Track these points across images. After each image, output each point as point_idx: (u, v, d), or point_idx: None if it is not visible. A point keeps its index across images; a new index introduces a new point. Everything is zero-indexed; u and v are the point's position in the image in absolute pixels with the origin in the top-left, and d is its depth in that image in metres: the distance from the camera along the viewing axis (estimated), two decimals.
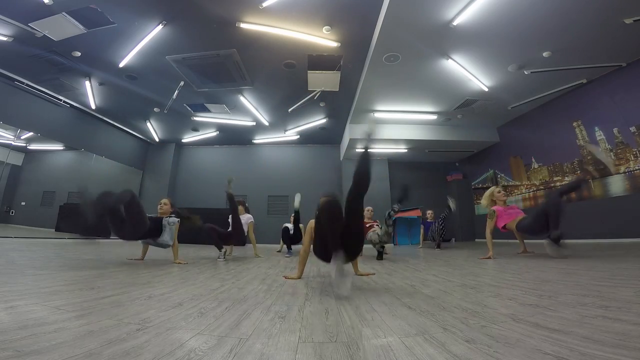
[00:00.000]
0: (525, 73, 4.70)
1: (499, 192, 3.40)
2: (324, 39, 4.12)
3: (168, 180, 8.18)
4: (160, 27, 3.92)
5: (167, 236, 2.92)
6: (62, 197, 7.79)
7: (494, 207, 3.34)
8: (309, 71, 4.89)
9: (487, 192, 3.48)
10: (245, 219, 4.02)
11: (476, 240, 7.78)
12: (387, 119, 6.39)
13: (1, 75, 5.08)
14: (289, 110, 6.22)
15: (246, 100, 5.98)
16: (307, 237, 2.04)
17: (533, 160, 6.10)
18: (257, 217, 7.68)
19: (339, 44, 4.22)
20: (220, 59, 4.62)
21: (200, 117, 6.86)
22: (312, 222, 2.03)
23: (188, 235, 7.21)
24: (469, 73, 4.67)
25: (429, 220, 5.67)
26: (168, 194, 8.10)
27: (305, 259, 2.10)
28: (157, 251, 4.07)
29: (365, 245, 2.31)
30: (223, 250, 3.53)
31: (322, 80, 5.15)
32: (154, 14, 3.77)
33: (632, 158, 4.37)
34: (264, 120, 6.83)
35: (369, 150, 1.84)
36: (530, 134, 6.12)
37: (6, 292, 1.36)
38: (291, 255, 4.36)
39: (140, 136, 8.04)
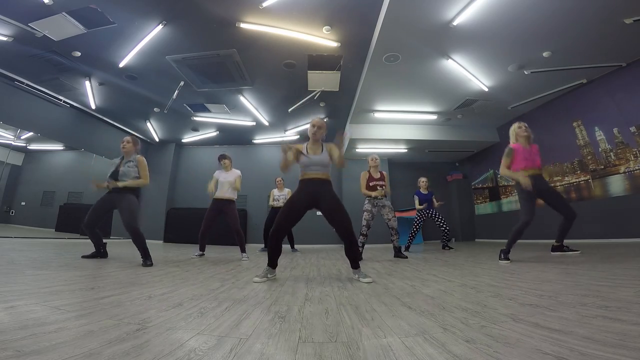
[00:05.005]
0: (525, 73, 4.70)
1: (519, 127, 3.04)
2: (324, 39, 4.12)
3: (168, 180, 8.18)
4: (160, 27, 3.92)
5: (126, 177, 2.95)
6: (62, 197, 7.80)
7: (512, 145, 3.05)
8: (309, 71, 4.88)
9: (511, 130, 3.15)
10: (233, 174, 3.96)
11: (476, 240, 7.78)
12: (387, 119, 6.39)
13: (1, 75, 5.07)
14: (289, 110, 6.22)
15: (246, 100, 5.98)
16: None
17: None
18: (257, 217, 7.72)
19: (339, 44, 4.22)
20: (220, 59, 4.62)
21: (200, 117, 6.85)
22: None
23: (185, 235, 7.24)
24: (469, 73, 4.67)
25: (422, 191, 5.02)
26: (168, 194, 8.10)
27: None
28: (159, 250, 4.08)
29: (368, 246, 2.43)
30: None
31: (322, 80, 5.15)
32: (154, 14, 3.77)
33: (632, 158, 4.37)
34: (264, 120, 6.83)
35: None
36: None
37: (6, 292, 1.36)
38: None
39: (141, 136, 8.04)
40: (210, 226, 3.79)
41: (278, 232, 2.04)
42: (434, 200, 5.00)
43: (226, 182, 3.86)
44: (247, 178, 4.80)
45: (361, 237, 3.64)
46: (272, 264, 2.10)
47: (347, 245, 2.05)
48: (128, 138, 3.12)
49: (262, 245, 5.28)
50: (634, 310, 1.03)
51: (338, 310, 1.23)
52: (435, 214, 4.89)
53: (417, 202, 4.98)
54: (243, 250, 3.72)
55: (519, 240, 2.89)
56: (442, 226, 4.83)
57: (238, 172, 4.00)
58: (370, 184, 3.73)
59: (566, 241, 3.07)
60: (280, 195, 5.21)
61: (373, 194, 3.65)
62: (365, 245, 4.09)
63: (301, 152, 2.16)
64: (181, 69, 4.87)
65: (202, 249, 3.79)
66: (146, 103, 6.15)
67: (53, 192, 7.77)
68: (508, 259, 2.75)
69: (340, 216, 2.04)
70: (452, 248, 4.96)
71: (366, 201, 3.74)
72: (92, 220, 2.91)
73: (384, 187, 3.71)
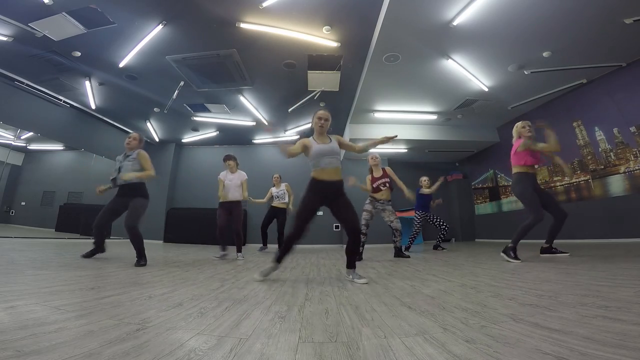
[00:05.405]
0: (525, 73, 4.70)
1: (523, 127, 3.05)
2: (324, 39, 4.12)
3: (168, 180, 8.18)
4: (160, 27, 3.92)
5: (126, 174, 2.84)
6: (62, 197, 7.79)
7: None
8: (309, 71, 4.88)
9: (515, 128, 3.15)
10: (239, 176, 3.95)
11: (476, 240, 7.78)
12: (387, 119, 6.39)
13: (1, 75, 5.07)
14: (289, 110, 6.22)
15: (246, 100, 5.98)
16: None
17: None
18: (257, 217, 7.70)
19: (339, 44, 4.22)
20: (220, 59, 4.62)
21: (200, 117, 6.85)
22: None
23: (186, 235, 7.24)
24: (469, 73, 4.67)
25: (421, 193, 4.91)
26: (168, 194, 8.09)
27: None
28: (159, 250, 4.08)
29: (368, 246, 2.40)
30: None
31: (322, 80, 5.14)
32: (154, 14, 3.77)
33: (632, 158, 4.37)
34: (264, 120, 6.83)
35: None
36: None
37: (6, 292, 1.37)
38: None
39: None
40: (225, 226, 3.78)
41: (297, 236, 2.04)
42: (432, 201, 4.99)
43: (232, 185, 3.86)
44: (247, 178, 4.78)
45: (395, 231, 3.64)
46: (281, 261, 2.11)
47: (351, 243, 2.05)
48: (135, 135, 3.09)
49: (261, 245, 5.27)
50: (634, 310, 1.03)
51: (338, 310, 1.23)
52: (433, 218, 4.90)
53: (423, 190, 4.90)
54: (239, 250, 3.78)
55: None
56: (442, 224, 4.83)
57: (244, 175, 4.00)
58: (374, 185, 3.70)
59: (566, 241, 3.07)
60: (279, 191, 5.17)
61: (380, 190, 3.66)
62: (366, 245, 4.09)
63: (308, 145, 2.15)
64: (181, 69, 4.87)
65: (225, 248, 3.76)
66: (146, 103, 6.15)
67: (53, 192, 7.77)
68: (518, 259, 2.74)
69: (350, 213, 2.05)
70: (444, 249, 4.93)
71: (367, 201, 3.73)
72: (102, 221, 2.91)
73: (387, 183, 3.68)
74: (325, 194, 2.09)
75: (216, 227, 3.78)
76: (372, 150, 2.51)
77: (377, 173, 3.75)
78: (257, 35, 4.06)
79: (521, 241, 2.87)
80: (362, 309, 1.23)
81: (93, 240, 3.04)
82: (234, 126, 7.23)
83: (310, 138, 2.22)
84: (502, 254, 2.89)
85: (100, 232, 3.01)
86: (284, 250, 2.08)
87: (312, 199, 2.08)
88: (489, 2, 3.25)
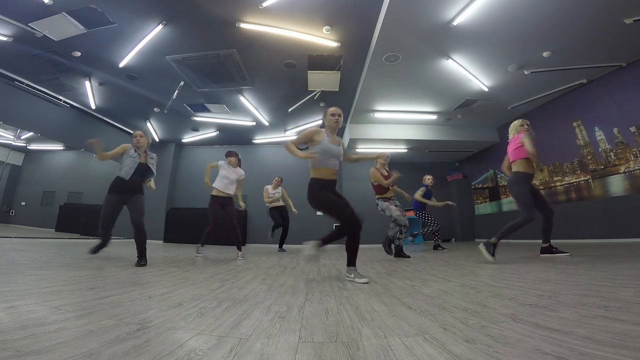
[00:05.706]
0: (525, 73, 4.70)
1: (521, 125, 3.13)
2: (324, 39, 4.12)
3: (168, 180, 8.17)
4: (160, 27, 3.92)
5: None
6: (62, 197, 7.80)
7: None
8: (309, 71, 4.88)
9: (513, 125, 3.22)
10: (237, 173, 3.96)
11: (476, 240, 7.78)
12: (387, 119, 6.39)
13: (1, 75, 5.07)
14: (289, 110, 6.22)
15: (246, 100, 5.98)
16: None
17: None
18: (257, 218, 7.71)
19: (339, 44, 4.22)
20: (220, 59, 4.62)
21: (200, 117, 6.85)
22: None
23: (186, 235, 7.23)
24: (469, 73, 4.67)
25: (426, 185, 5.01)
26: (168, 194, 8.08)
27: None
28: (159, 250, 4.09)
29: (368, 246, 2.45)
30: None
31: (322, 80, 5.14)
32: (154, 14, 3.77)
33: (632, 158, 4.37)
34: (264, 120, 6.82)
35: None
36: None
37: (6, 292, 1.37)
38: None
39: None
40: (221, 224, 3.78)
41: (354, 218, 2.03)
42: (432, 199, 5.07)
43: (228, 181, 3.87)
44: (247, 178, 4.76)
45: (402, 228, 3.64)
46: (326, 243, 2.13)
47: (351, 238, 2.09)
48: (140, 132, 3.09)
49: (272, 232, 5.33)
50: (634, 310, 1.03)
51: (338, 310, 1.23)
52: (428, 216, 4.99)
53: (421, 192, 4.93)
54: (239, 249, 3.74)
55: (518, 240, 2.89)
56: (434, 224, 4.89)
57: (242, 173, 4.02)
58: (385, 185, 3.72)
59: (566, 241, 3.07)
60: (275, 193, 5.22)
61: (389, 189, 3.73)
62: (365, 245, 4.09)
63: (319, 139, 2.17)
64: (181, 69, 4.87)
65: (203, 245, 3.85)
66: (146, 103, 6.15)
67: (53, 192, 7.78)
68: (494, 256, 2.73)
69: (350, 206, 2.12)
70: (444, 249, 4.93)
71: (380, 201, 3.73)
72: (107, 222, 2.94)
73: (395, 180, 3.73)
74: (330, 190, 2.18)
75: (215, 223, 3.77)
76: (383, 150, 2.65)
77: (383, 172, 3.79)
78: (257, 35, 4.06)
79: (520, 241, 2.87)
80: (362, 309, 1.23)
81: (100, 239, 3.10)
82: (234, 126, 7.23)
83: (324, 130, 2.23)
84: (481, 246, 2.85)
85: (108, 233, 3.06)
86: (354, 244, 2.09)
87: (320, 193, 2.14)
88: (489, 2, 3.25)
